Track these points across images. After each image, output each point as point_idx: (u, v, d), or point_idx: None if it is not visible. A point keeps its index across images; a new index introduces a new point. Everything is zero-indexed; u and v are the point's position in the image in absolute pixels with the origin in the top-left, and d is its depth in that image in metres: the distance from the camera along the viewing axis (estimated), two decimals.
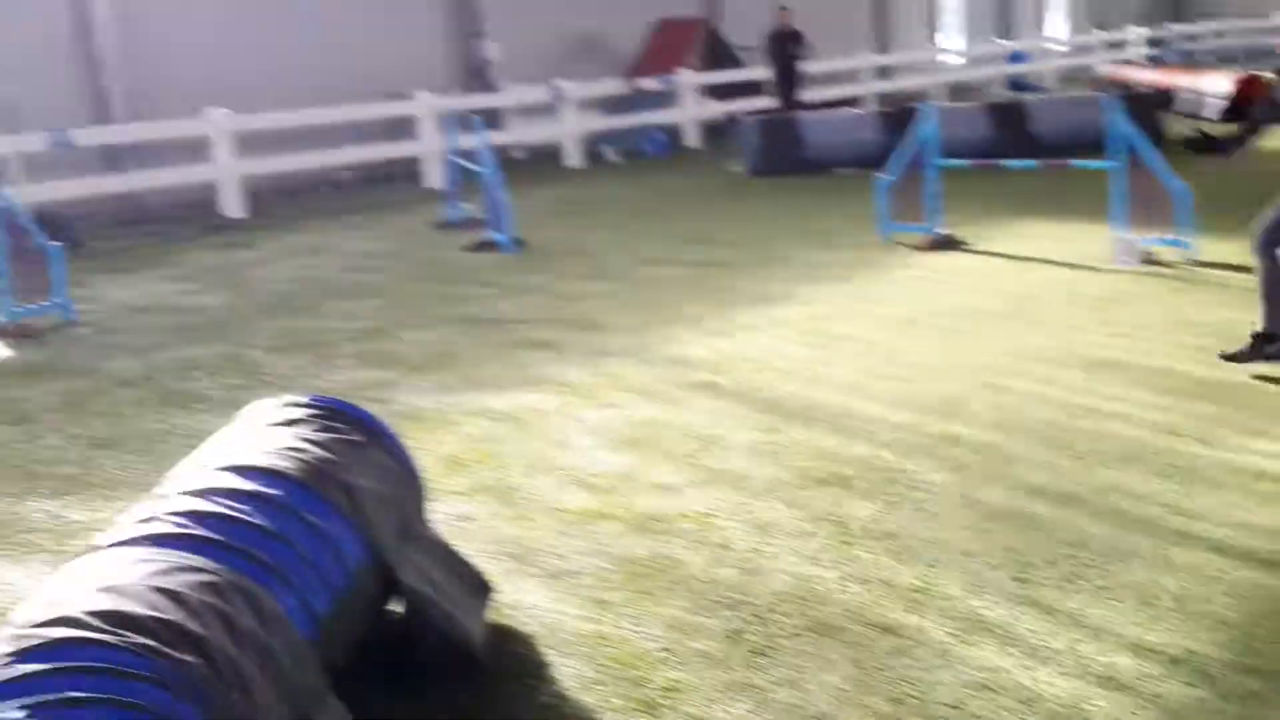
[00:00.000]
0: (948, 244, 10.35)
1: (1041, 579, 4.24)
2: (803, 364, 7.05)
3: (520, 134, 18.81)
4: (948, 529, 4.70)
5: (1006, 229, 11.05)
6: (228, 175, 13.86)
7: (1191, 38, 34.88)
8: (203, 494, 3.35)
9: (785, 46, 18.27)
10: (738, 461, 5.50)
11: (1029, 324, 7.76)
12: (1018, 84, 28.54)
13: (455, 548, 4.15)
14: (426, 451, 5.68)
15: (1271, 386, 6.27)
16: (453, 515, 4.94)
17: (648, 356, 7.34)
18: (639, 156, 18.55)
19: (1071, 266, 9.40)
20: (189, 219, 13.75)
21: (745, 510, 4.94)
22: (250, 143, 15.41)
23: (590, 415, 6.25)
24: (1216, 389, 6.26)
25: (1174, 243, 9.32)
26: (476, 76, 18.96)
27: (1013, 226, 11.17)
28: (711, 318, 8.25)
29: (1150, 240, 9.43)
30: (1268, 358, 6.54)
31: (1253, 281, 6.75)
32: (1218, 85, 19.91)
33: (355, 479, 3.67)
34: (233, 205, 13.85)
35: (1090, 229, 10.65)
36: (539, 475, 5.41)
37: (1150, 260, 9.32)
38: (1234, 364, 6.57)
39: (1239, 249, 9.46)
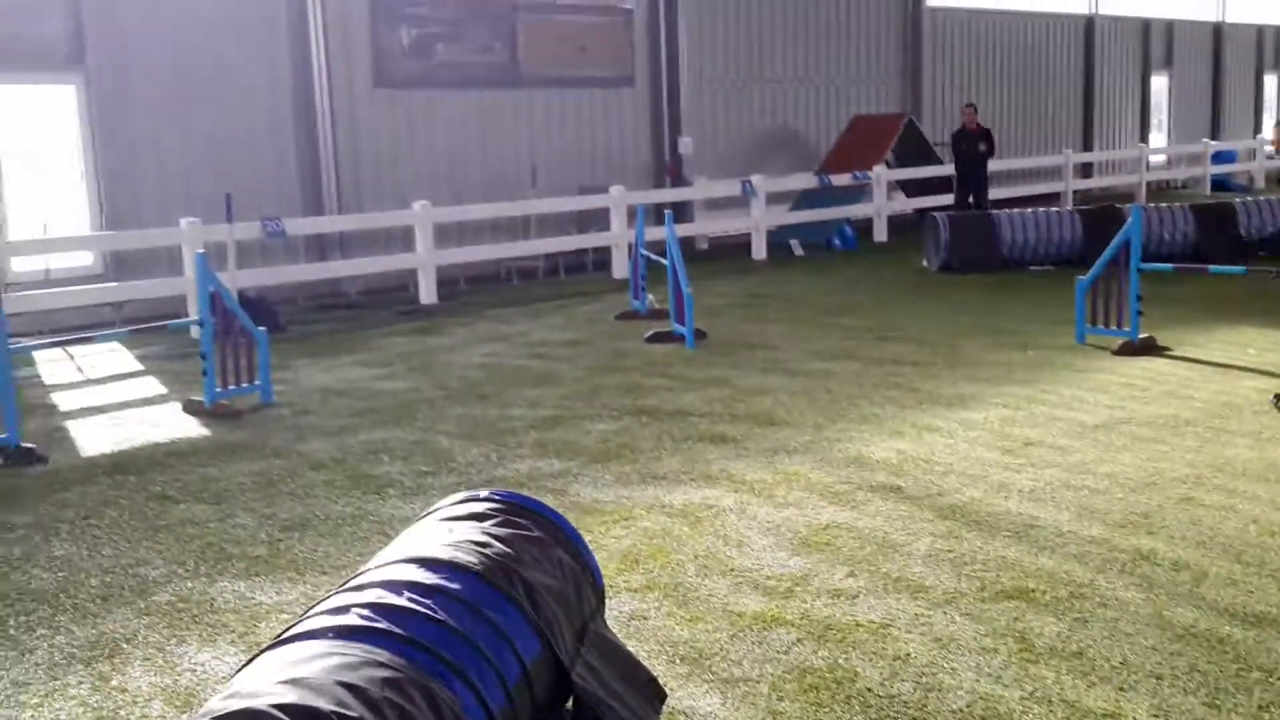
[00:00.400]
0: (1147, 349, 10.01)
1: (1234, 705, 4.03)
2: (988, 469, 6.89)
3: (708, 226, 19.07)
4: (1137, 650, 4.50)
5: (1209, 335, 10.64)
6: (425, 264, 14.40)
7: None
8: (388, 586, 3.45)
9: (970, 144, 18.20)
10: (917, 569, 5.38)
11: (1229, 435, 7.43)
12: (1224, 184, 27.63)
13: (630, 649, 4.16)
14: (602, 546, 5.76)
15: None
16: (626, 613, 4.96)
17: (827, 455, 7.27)
18: (826, 250, 18.53)
19: (1277, 376, 8.98)
20: (384, 305, 14.30)
21: (924, 621, 4.82)
22: (447, 232, 16.04)
23: (767, 514, 6.22)
24: None
25: None
26: (670, 171, 19.33)
27: (1216, 332, 10.75)
28: (894, 417, 8.14)
29: None
30: None
31: None
32: None
33: (535, 576, 3.72)
34: (428, 292, 14.36)
35: None
36: (714, 575, 5.40)
37: None
38: None
39: None
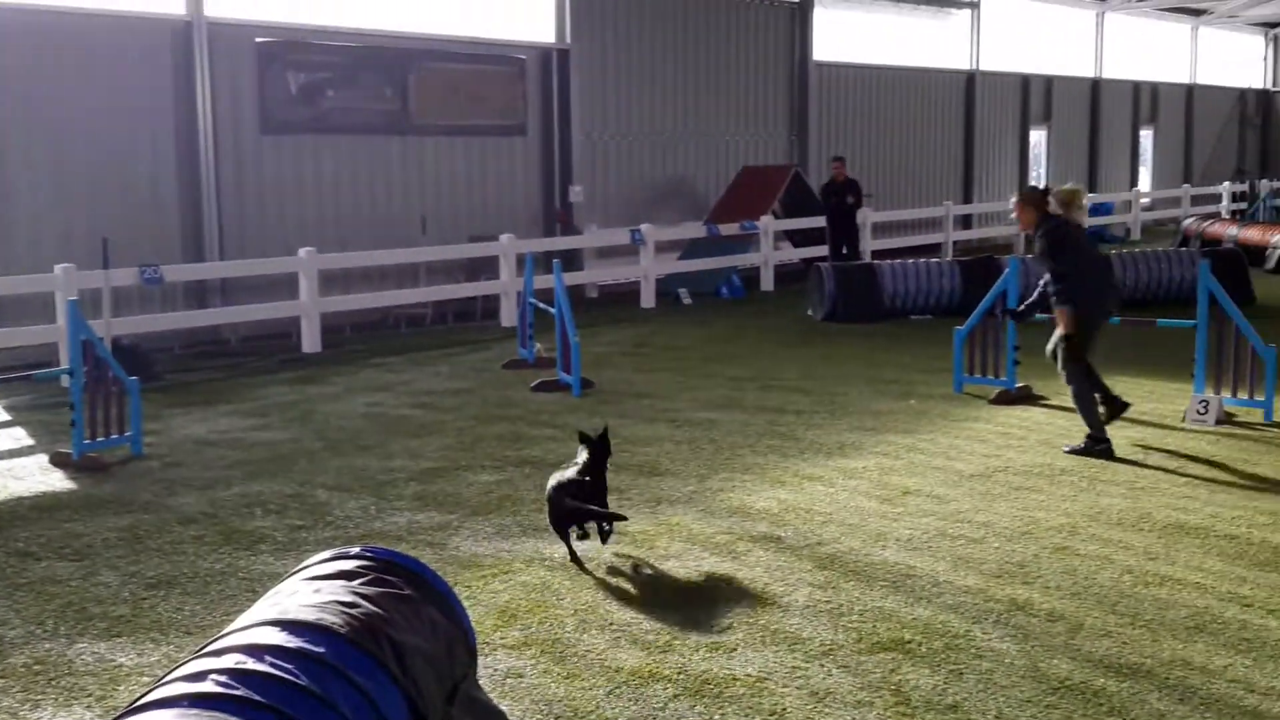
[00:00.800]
0: (1023, 398, 10.23)
1: None
2: (867, 518, 6.95)
3: (598, 275, 19.11)
4: (1012, 702, 4.55)
5: None
6: (309, 311, 14.17)
7: None
8: (249, 650, 3.34)
9: (839, 197, 18.71)
10: (795, 621, 5.39)
11: (1103, 484, 7.60)
12: (1101, 235, 28.52)
13: (503, 710, 4.08)
14: (479, 601, 5.67)
15: None
16: (502, 671, 4.88)
17: (710, 505, 7.28)
18: (714, 299, 18.68)
19: (1149, 424, 9.23)
20: (266, 353, 14.03)
21: (801, 674, 4.82)
22: (333, 279, 15.83)
23: (648, 566, 6.18)
24: None
25: (1254, 404, 9.13)
26: (560, 219, 19.37)
27: None
28: (776, 467, 8.18)
29: (1230, 401, 9.25)
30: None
31: None
32: None
33: (405, 637, 3.63)
34: (311, 340, 14.13)
35: (1170, 386, 10.50)
36: (593, 629, 5.34)
37: (1228, 421, 9.12)
38: None
39: None
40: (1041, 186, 9.04)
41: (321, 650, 3.40)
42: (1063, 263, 8.42)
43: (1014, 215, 8.87)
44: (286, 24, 16.04)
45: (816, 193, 20.65)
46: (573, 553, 6.25)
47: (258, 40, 15.72)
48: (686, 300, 18.34)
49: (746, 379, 11.58)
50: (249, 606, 4.15)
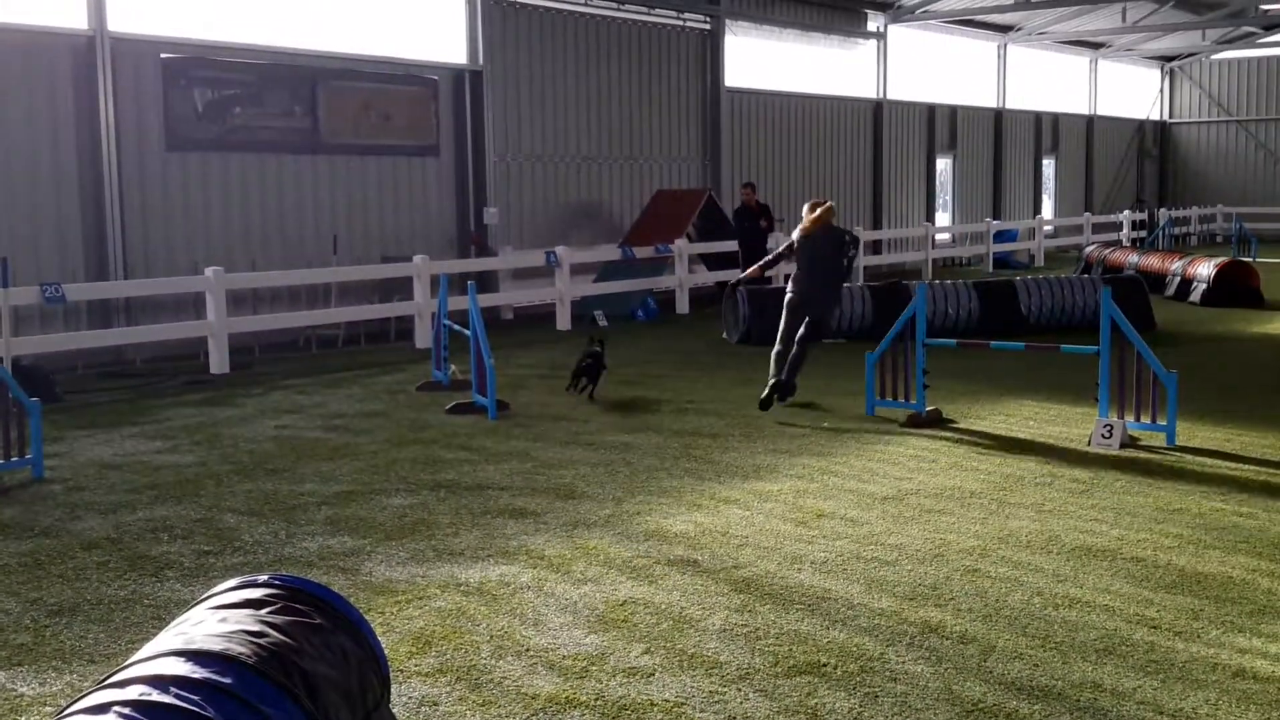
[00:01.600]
0: (933, 421, 10.36)
1: None
2: (782, 541, 6.97)
3: (514, 297, 19.04)
4: None
5: (992, 408, 11.08)
6: (217, 331, 13.90)
7: (1182, 222, 35.89)
8: (153, 682, 3.23)
9: (751, 221, 18.90)
10: (712, 645, 5.37)
11: (1012, 507, 7.71)
12: (1006, 261, 29.12)
13: None
14: (393, 628, 5.58)
15: (1260, 580, 6.19)
16: (416, 699, 4.80)
17: (626, 529, 7.25)
18: (629, 322, 18.70)
19: (1055, 448, 9.39)
20: (172, 374, 13.74)
21: (718, 699, 4.80)
22: (242, 299, 15.57)
23: (565, 591, 6.14)
24: (1196, 581, 6.19)
25: (1157, 428, 9.34)
26: (475, 241, 19.26)
27: (998, 405, 11.20)
28: (692, 490, 8.18)
29: (1134, 425, 9.45)
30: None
31: (1233, 468, 6.73)
32: (1202, 270, 20.31)
33: (315, 666, 3.55)
34: (219, 361, 13.86)
35: (1075, 411, 10.70)
36: (508, 656, 5.28)
37: (1132, 445, 9.32)
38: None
39: (1222, 436, 9.50)
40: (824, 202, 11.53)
41: (229, 681, 3.30)
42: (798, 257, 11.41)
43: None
44: (193, 40, 15.78)
45: (729, 216, 20.83)
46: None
47: (163, 56, 15.45)
48: (602, 323, 18.33)
49: (662, 401, 11.59)
50: (154, 635, 4.03)
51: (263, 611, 3.68)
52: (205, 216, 15.94)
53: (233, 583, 3.93)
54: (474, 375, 11.29)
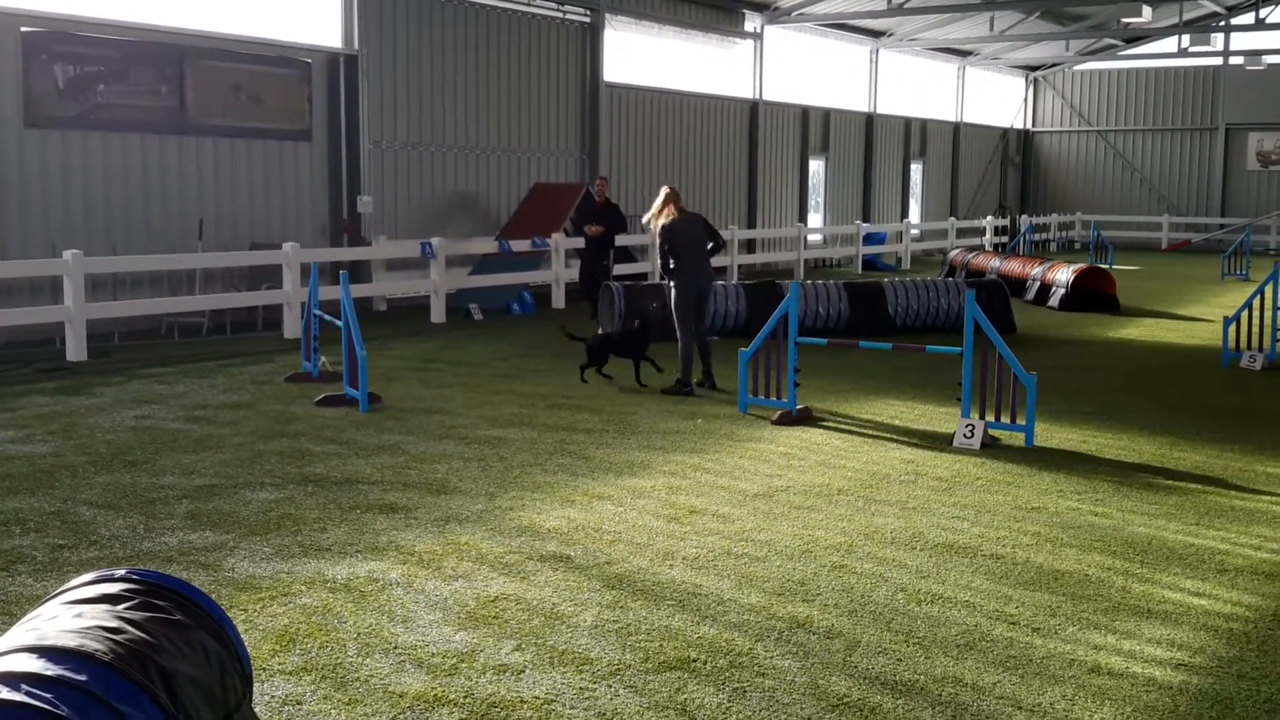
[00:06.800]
0: (804, 419, 10.50)
1: None
2: (654, 537, 6.99)
3: (387, 287, 18.77)
4: None
5: (860, 406, 11.27)
6: (74, 317, 13.43)
7: (1043, 228, 37.03)
8: (3, 679, 3.10)
9: (597, 216, 18.57)
10: (584, 641, 5.37)
11: (878, 504, 7.85)
12: (874, 263, 29.71)
13: None
14: (256, 626, 5.46)
15: (1114, 578, 6.40)
16: (279, 698, 4.69)
17: (499, 524, 7.20)
18: (505, 315, 18.59)
19: (920, 447, 9.59)
20: (25, 361, 13.24)
21: (589, 695, 4.80)
22: (102, 283, 15.08)
23: (435, 587, 6.07)
24: (1053, 578, 6.38)
25: (1017, 429, 9.60)
26: (348, 229, 18.94)
27: (866, 404, 11.40)
28: (566, 485, 8.16)
29: (994, 425, 9.70)
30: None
31: (1088, 469, 6.95)
32: (1061, 275, 20.96)
33: (174, 664, 3.44)
34: (76, 348, 13.40)
35: (939, 410, 10.95)
36: (376, 654, 5.20)
37: (993, 445, 9.57)
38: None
39: (1078, 438, 9.81)
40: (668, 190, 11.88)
41: (83, 678, 3.19)
42: (676, 249, 11.62)
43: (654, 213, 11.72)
44: (55, 14, 15.23)
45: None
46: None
47: (23, 30, 14.87)
48: (478, 316, 18.19)
49: (537, 396, 11.54)
50: (5, 631, 3.88)
51: (120, 607, 3.56)
52: (65, 197, 15.40)
53: (89, 577, 3.80)
54: (345, 367, 11.10)
